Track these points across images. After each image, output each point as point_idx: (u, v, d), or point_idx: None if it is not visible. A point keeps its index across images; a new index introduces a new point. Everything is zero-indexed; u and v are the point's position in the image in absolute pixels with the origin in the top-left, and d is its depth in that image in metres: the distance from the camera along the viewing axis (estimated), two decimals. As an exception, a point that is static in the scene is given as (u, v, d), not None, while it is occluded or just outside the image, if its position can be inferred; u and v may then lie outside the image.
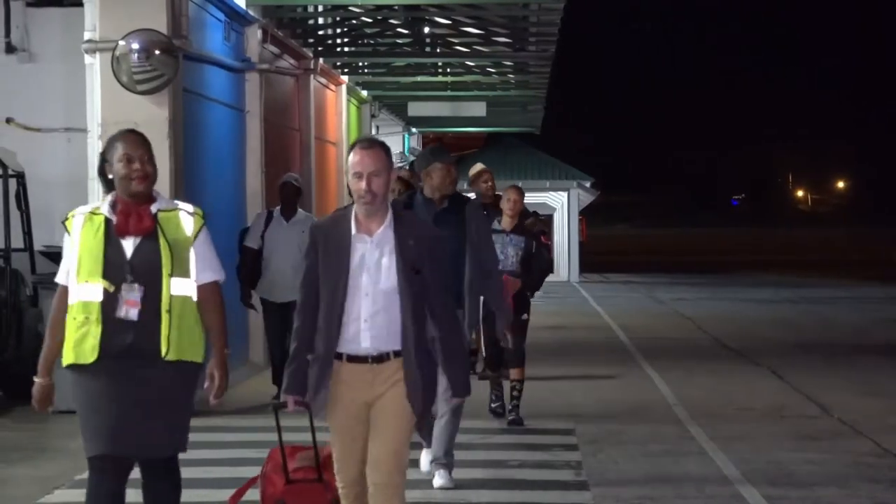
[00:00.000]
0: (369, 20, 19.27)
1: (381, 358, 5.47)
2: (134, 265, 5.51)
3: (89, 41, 11.66)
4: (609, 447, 9.86)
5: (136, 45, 11.32)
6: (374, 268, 5.44)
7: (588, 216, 44.61)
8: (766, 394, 13.12)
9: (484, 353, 11.16)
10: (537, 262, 11.11)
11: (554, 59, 21.10)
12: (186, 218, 5.65)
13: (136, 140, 5.66)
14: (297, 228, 11.44)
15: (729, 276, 41.12)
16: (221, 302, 5.70)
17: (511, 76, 24.85)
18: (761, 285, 34.82)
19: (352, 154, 5.47)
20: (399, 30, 20.17)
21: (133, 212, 5.59)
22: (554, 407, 11.99)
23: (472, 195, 11.62)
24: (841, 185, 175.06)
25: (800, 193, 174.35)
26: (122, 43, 11.33)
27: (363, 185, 5.42)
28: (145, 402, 5.50)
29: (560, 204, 39.04)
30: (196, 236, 5.64)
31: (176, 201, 5.82)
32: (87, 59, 11.76)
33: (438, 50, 21.28)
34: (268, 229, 11.61)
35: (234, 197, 14.72)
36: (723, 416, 11.56)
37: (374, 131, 27.39)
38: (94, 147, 11.52)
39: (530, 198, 39.38)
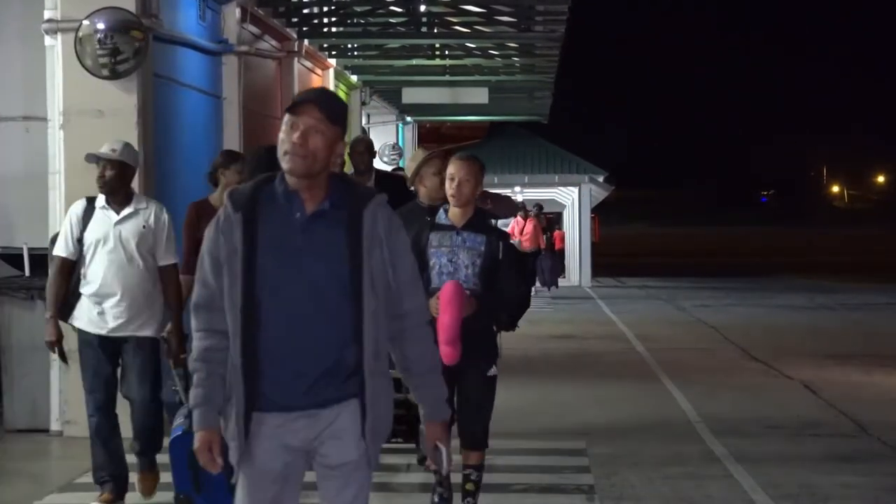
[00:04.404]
0: (359, -3, 19.30)
1: None
2: None
3: (50, 21, 11.66)
4: (625, 469, 9.87)
5: (101, 25, 11.32)
6: None
7: (602, 214, 44.65)
8: (799, 410, 13.13)
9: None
10: (507, 276, 7.48)
11: (563, 40, 21.12)
12: None
13: None
14: (131, 225, 8.32)
15: (757, 280, 41.15)
16: None
17: (516, 59, 24.86)
18: (793, 290, 34.84)
19: None
20: (392, 8, 20.19)
21: None
22: (564, 424, 12.00)
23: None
24: (881, 179, 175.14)
25: (835, 189, 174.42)
26: (85, 23, 11.33)
27: None
28: None
29: (570, 200, 39.07)
30: None
31: None
32: (48, 40, 11.76)
33: (436, 30, 21.29)
34: (87, 229, 8.35)
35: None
36: (750, 434, 11.57)
37: (364, 120, 27.40)
38: (56, 137, 11.53)
39: (537, 193, 39.56)
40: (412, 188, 8.85)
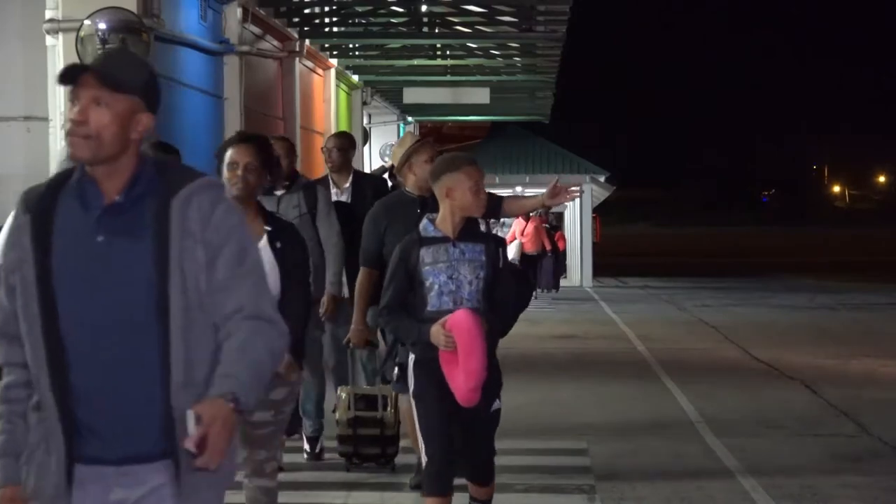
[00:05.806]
0: (361, -3, 19.32)
1: None
2: None
3: (51, 20, 11.66)
4: (625, 469, 9.86)
5: (102, 25, 11.32)
6: None
7: (603, 214, 44.64)
8: (800, 410, 13.12)
9: (421, 440, 6.58)
10: (504, 289, 6.57)
11: (565, 40, 21.12)
12: None
13: None
14: None
15: (758, 280, 41.12)
16: None
17: (517, 59, 24.88)
18: (794, 290, 34.81)
19: None
20: (393, 8, 20.19)
21: None
22: (565, 425, 11.99)
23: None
24: (882, 179, 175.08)
25: (836, 189, 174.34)
26: (87, 22, 11.33)
27: None
28: None
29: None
30: None
31: None
32: (49, 40, 11.76)
33: (437, 30, 21.30)
34: None
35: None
36: (751, 434, 11.56)
37: (366, 120, 27.40)
38: (57, 137, 11.52)
39: (539, 194, 39.48)
40: (398, 177, 8.17)
